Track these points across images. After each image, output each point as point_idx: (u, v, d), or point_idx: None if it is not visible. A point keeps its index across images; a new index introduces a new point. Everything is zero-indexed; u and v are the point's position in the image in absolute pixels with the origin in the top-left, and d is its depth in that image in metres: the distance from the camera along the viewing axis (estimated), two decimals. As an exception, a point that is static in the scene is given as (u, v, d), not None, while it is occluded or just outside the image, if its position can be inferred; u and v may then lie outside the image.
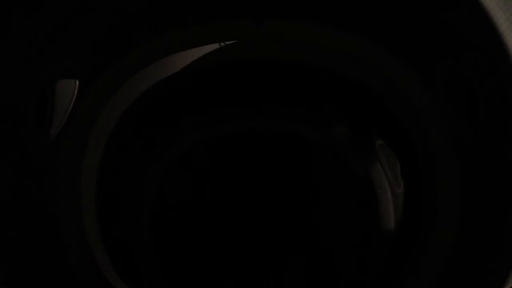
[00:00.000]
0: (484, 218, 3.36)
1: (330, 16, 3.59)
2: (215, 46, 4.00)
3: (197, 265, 7.18)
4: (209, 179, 7.65)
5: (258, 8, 3.59)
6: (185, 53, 4.03)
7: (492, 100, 2.97)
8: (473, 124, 3.34)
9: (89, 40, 3.37)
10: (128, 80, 3.97)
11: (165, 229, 7.17)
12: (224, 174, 7.70)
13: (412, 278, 4.28)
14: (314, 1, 3.46)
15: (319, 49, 4.13)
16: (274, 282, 7.05)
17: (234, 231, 7.48)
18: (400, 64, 3.65)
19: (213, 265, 7.22)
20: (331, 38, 3.71)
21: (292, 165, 7.67)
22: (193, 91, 5.27)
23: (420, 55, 3.33)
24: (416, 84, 3.69)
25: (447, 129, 3.64)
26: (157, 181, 6.62)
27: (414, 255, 4.47)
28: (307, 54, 4.32)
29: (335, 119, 5.97)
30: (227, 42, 4.14)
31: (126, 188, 5.25)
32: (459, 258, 3.77)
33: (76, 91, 3.42)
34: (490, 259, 3.30)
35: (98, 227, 4.00)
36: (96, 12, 3.17)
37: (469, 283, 3.64)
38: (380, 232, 6.02)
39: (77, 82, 3.38)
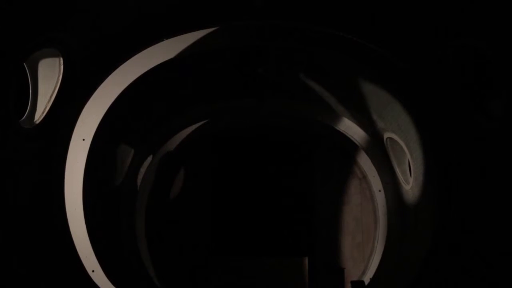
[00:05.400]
0: (501, 219, 3.12)
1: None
2: (214, 30, 3.76)
3: (192, 265, 6.80)
4: (206, 176, 7.25)
5: None
6: (181, 38, 3.77)
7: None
8: (490, 115, 3.11)
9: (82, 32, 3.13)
10: (119, 67, 3.70)
11: (159, 228, 6.78)
12: (222, 171, 7.28)
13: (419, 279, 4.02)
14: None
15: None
16: (274, 282, 6.67)
17: (231, 230, 7.09)
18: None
19: (208, 265, 6.84)
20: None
21: (293, 160, 7.24)
22: (189, 81, 4.95)
23: (436, 38, 3.10)
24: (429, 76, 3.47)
25: (462, 123, 3.41)
26: (151, 178, 6.25)
27: (421, 256, 4.20)
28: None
29: (340, 113, 5.64)
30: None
31: (118, 185, 4.94)
32: (469, 257, 3.52)
33: (61, 77, 3.16)
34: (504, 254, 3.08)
35: (86, 226, 3.73)
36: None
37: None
38: (386, 230, 5.67)
39: (62, 66, 3.11)
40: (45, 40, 2.87)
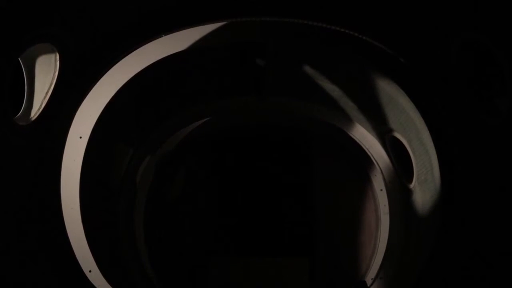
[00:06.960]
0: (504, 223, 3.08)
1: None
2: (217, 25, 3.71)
3: (192, 265, 6.75)
4: (206, 176, 7.19)
5: None
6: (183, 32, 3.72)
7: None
8: (494, 114, 3.06)
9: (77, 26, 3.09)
10: (116, 65, 3.65)
11: (158, 228, 6.73)
12: (222, 171, 7.24)
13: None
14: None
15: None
16: (274, 282, 6.64)
17: (231, 230, 7.04)
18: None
19: (208, 265, 6.78)
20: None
21: (293, 160, 7.20)
22: (188, 79, 4.90)
23: (441, 34, 3.06)
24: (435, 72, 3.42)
25: (465, 121, 3.36)
26: (150, 177, 6.20)
27: (422, 255, 4.15)
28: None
29: (341, 111, 5.60)
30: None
31: (116, 184, 4.89)
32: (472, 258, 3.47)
33: (57, 73, 3.11)
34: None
35: (83, 225, 3.69)
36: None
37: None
38: (387, 230, 5.62)
39: (58, 62, 3.06)
40: (41, 35, 2.82)
